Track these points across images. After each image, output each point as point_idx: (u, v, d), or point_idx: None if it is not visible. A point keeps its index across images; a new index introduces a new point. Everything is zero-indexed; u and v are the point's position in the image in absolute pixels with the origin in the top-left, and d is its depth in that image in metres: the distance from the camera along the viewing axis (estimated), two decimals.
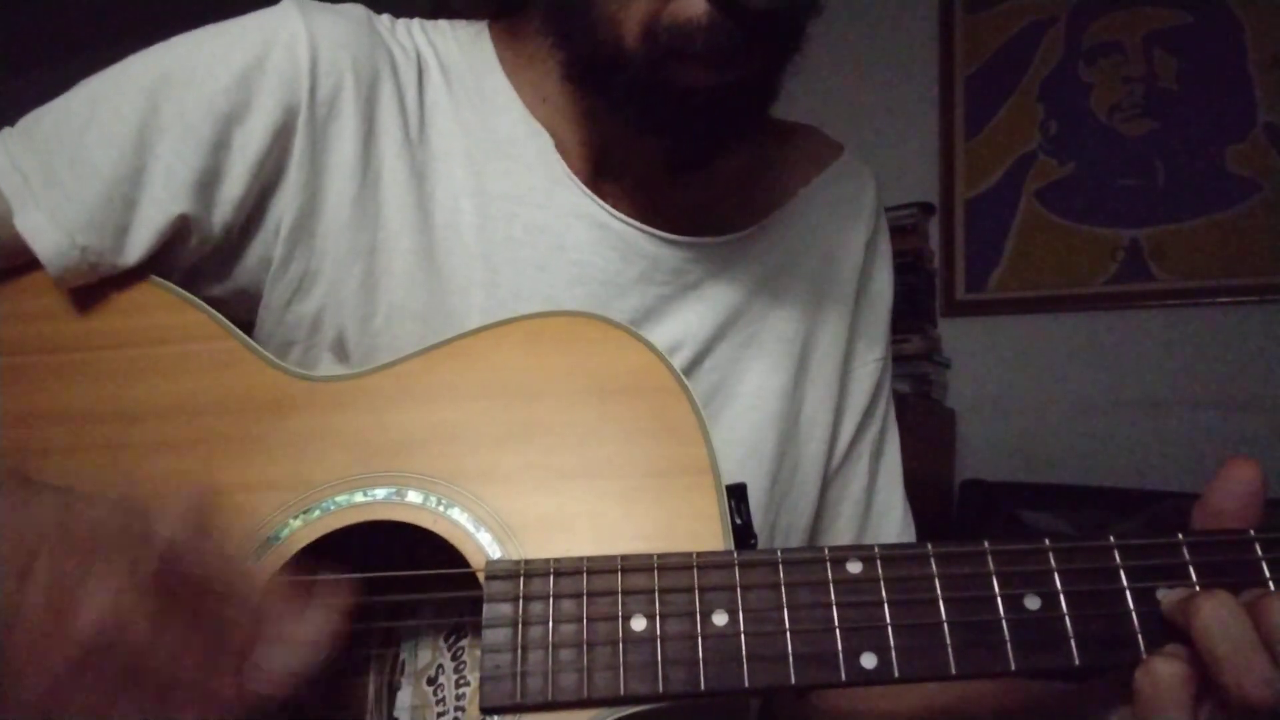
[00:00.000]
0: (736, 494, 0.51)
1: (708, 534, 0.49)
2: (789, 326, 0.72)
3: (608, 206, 0.65)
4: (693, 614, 0.45)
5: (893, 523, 0.79)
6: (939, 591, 0.45)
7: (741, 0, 0.51)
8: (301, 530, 0.50)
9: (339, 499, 0.51)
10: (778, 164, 0.76)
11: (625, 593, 0.46)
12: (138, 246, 0.57)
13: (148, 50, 0.60)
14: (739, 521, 0.50)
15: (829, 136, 0.81)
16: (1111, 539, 0.46)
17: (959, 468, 2.38)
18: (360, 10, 0.65)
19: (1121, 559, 0.45)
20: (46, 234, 0.55)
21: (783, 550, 0.47)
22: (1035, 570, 0.45)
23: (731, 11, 0.52)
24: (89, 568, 0.38)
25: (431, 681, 0.57)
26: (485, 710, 0.44)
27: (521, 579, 0.47)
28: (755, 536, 0.51)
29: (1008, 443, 2.34)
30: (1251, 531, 0.45)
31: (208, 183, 0.58)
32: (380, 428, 0.53)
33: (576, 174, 0.65)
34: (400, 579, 0.50)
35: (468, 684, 0.57)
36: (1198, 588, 0.44)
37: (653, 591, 0.46)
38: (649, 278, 0.66)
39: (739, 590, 0.45)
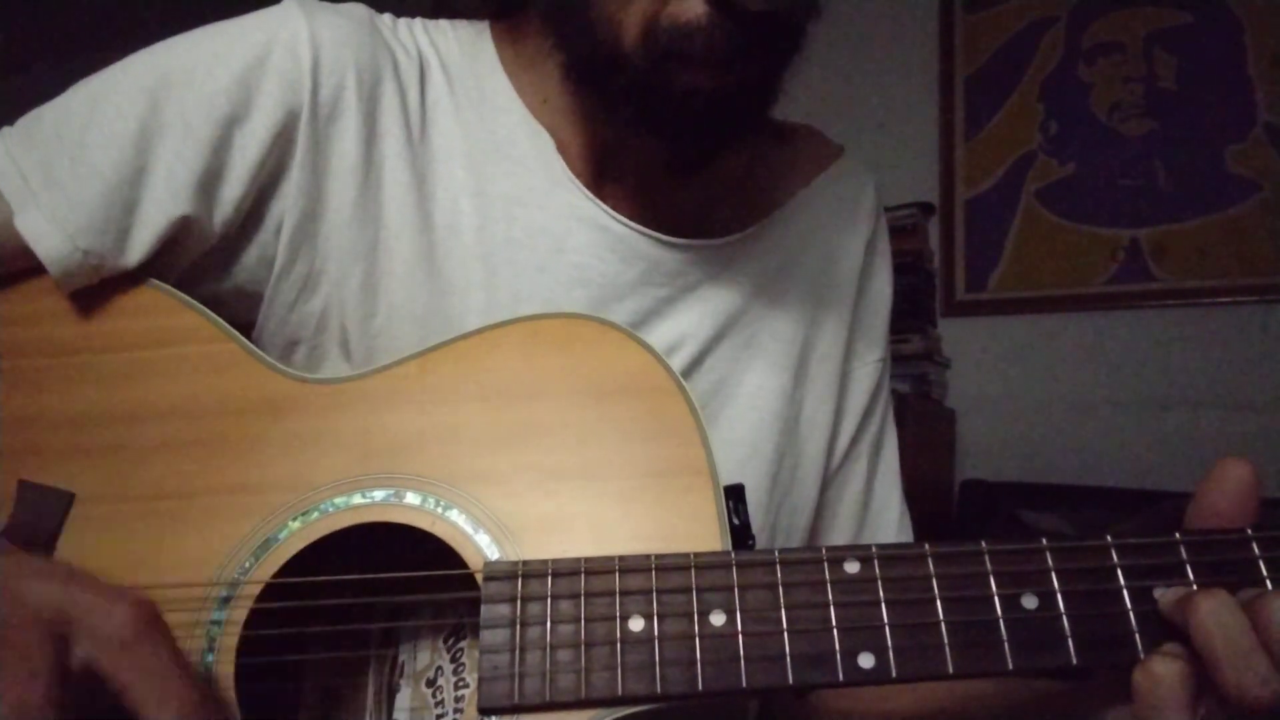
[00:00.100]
0: (734, 495, 0.51)
1: (705, 535, 0.49)
2: (788, 327, 0.72)
3: (608, 208, 0.65)
4: (690, 614, 0.45)
5: (890, 522, 0.79)
6: (936, 591, 0.45)
7: (740, 2, 0.51)
8: (300, 532, 0.50)
9: (337, 501, 0.51)
10: (777, 165, 0.76)
11: (623, 593, 0.46)
12: (139, 248, 0.57)
13: (148, 50, 0.60)
14: (737, 522, 0.50)
15: (828, 138, 0.81)
16: (1109, 539, 0.46)
17: (959, 468, 2.38)
18: (362, 10, 0.65)
19: (1119, 558, 0.45)
20: (48, 237, 0.55)
21: (780, 550, 0.47)
22: (1033, 570, 0.45)
23: (730, 13, 0.52)
24: (8, 660, 0.37)
25: (430, 683, 0.57)
26: (483, 711, 0.44)
27: (519, 580, 0.47)
28: (753, 537, 0.51)
29: (1008, 443, 2.34)
30: (1249, 530, 0.45)
31: (209, 183, 0.58)
32: (379, 429, 0.53)
33: (577, 175, 0.65)
34: (399, 580, 0.50)
35: (466, 685, 0.57)
36: (1195, 587, 0.44)
37: (650, 592, 0.46)
38: (649, 279, 0.66)
39: (736, 590, 0.45)
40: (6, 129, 0.59)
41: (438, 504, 0.50)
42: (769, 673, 0.44)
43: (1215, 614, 0.41)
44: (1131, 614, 0.44)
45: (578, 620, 0.45)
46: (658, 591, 0.46)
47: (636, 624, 0.45)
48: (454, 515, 0.50)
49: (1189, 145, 2.23)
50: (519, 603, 0.46)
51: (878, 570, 0.45)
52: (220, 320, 0.57)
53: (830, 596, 0.45)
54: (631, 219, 0.65)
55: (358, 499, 0.51)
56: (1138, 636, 0.43)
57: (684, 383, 0.53)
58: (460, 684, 0.57)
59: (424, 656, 0.58)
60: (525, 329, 0.55)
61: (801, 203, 0.75)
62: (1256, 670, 0.39)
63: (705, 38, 0.52)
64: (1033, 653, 0.44)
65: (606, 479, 0.51)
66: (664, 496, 0.50)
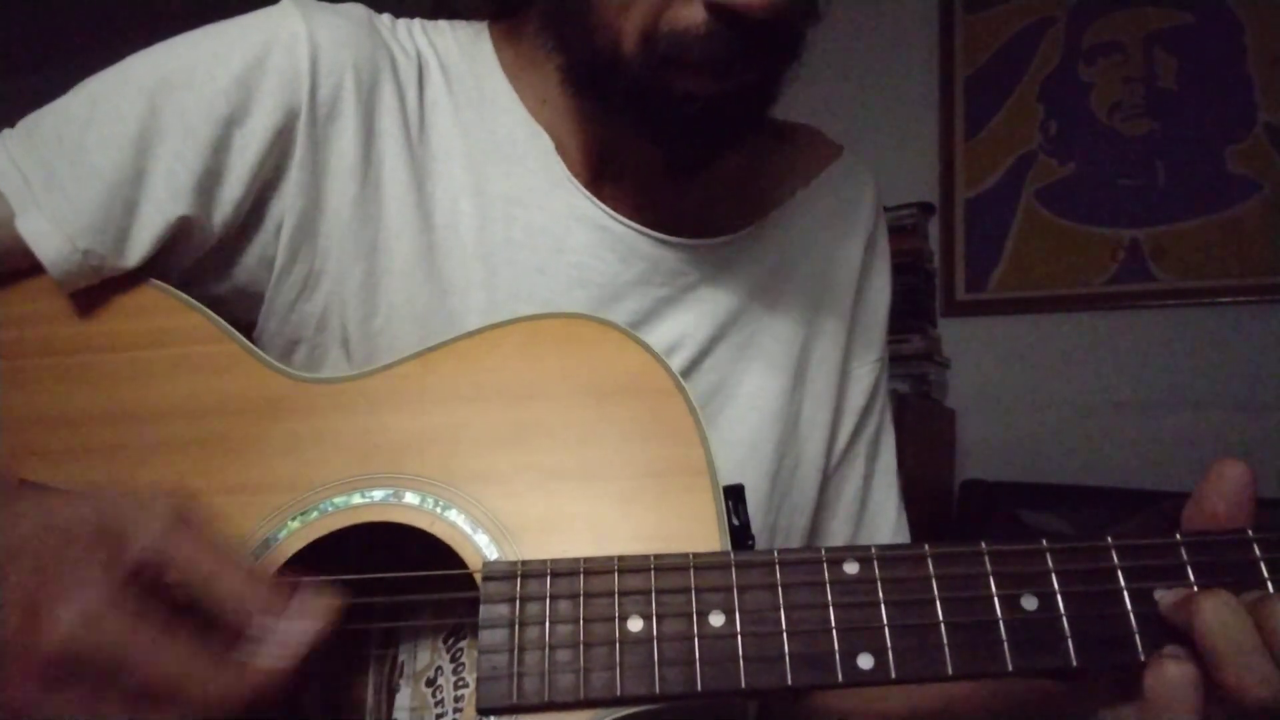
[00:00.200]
0: (734, 495, 0.51)
1: (705, 535, 0.49)
2: (788, 328, 0.72)
3: (607, 208, 0.65)
4: (689, 615, 0.45)
5: (887, 523, 0.79)
6: (936, 592, 0.45)
7: (739, 10, 0.50)
8: (300, 531, 0.50)
9: (337, 500, 0.51)
10: (777, 165, 0.76)
11: (622, 594, 0.46)
12: (139, 248, 0.57)
13: (147, 51, 0.60)
14: (736, 522, 0.50)
15: (828, 137, 0.81)
16: (1109, 539, 0.46)
17: (959, 468, 2.38)
18: (361, 10, 0.65)
19: (1119, 559, 0.45)
20: (49, 238, 0.55)
21: (779, 551, 0.47)
22: (1032, 571, 0.45)
23: (729, 20, 0.51)
24: (62, 575, 0.38)
25: (430, 683, 0.57)
26: (482, 711, 0.44)
27: (518, 580, 0.47)
28: (753, 537, 0.51)
29: (1008, 443, 2.34)
30: (1250, 532, 0.45)
31: (208, 184, 0.58)
32: (378, 429, 0.53)
33: (576, 176, 0.65)
34: (398, 580, 0.50)
35: (466, 685, 0.57)
36: (1196, 588, 0.44)
37: (649, 592, 0.46)
38: (648, 279, 0.66)
39: (735, 591, 0.45)
40: (7, 131, 0.59)
41: (437, 504, 0.50)
42: (768, 673, 0.44)
43: (1219, 614, 0.41)
44: (1132, 615, 0.44)
45: (577, 620, 0.45)
46: (657, 592, 0.46)
47: (635, 624, 0.45)
48: (453, 515, 0.50)
49: (1189, 145, 2.23)
50: (518, 603, 0.46)
51: (877, 571, 0.45)
52: (221, 320, 0.57)
53: (829, 597, 0.45)
54: (631, 219, 0.65)
55: (357, 499, 0.51)
56: (1138, 638, 0.43)
57: (683, 383, 0.53)
58: (460, 684, 0.57)
59: (424, 656, 0.58)
60: (525, 329, 0.55)
61: (801, 202, 0.75)
62: (1258, 670, 0.39)
63: (704, 45, 0.52)
64: (1032, 654, 0.44)
65: (606, 479, 0.51)
66: (663, 497, 0.50)
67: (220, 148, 0.58)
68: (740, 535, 0.50)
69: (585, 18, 0.55)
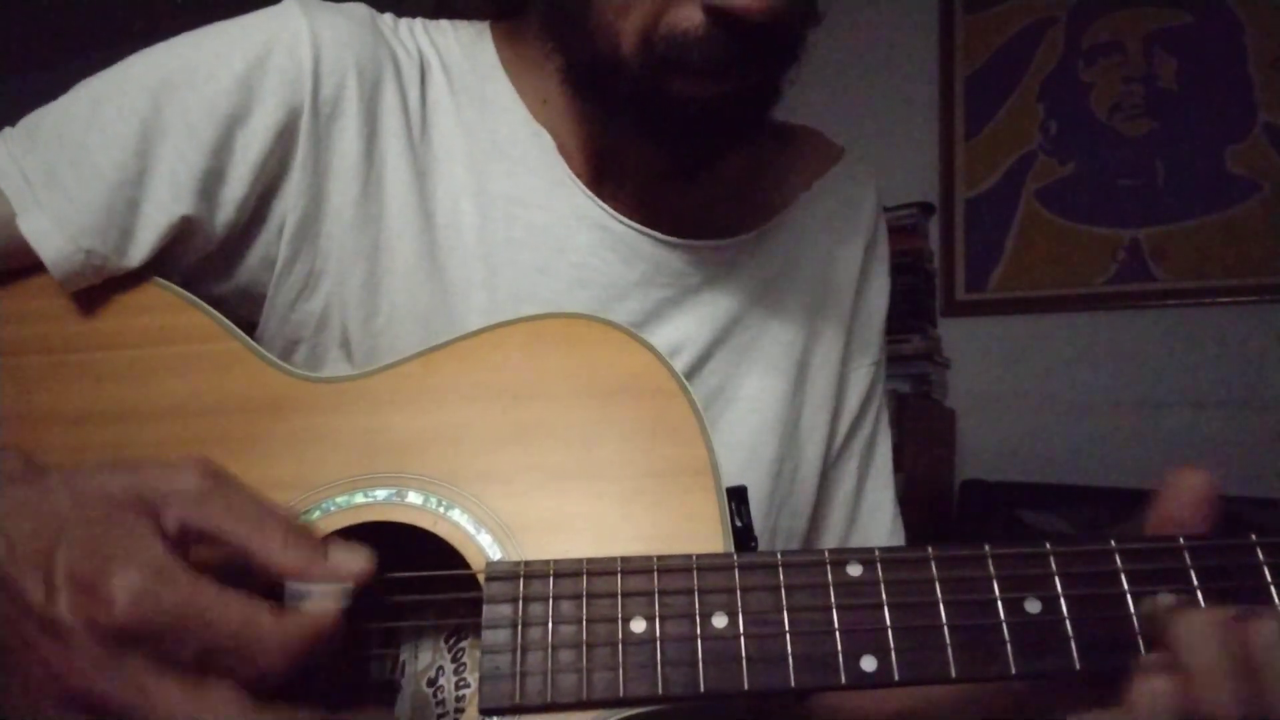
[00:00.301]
0: (737, 496, 0.51)
1: (708, 536, 0.49)
2: (789, 331, 0.72)
3: (609, 209, 0.65)
4: (692, 616, 0.45)
5: (881, 526, 0.79)
6: (939, 595, 0.45)
7: (737, 12, 0.50)
8: None
9: (339, 500, 0.51)
10: (779, 167, 0.76)
11: (625, 594, 0.46)
12: (141, 248, 0.57)
13: (149, 50, 0.60)
14: (739, 523, 0.50)
15: (830, 139, 0.80)
16: (1113, 542, 0.46)
17: (959, 468, 2.38)
18: (363, 9, 0.64)
19: (1123, 562, 0.45)
20: (51, 238, 0.55)
21: (782, 552, 0.46)
22: (1036, 574, 0.45)
23: (727, 23, 0.51)
24: (110, 548, 0.38)
25: (431, 683, 0.57)
26: (484, 711, 0.44)
27: (521, 580, 0.47)
28: (755, 539, 0.51)
29: (1008, 443, 2.34)
30: (1254, 536, 0.45)
31: (210, 184, 0.58)
32: (381, 429, 0.53)
33: (578, 176, 0.65)
34: (401, 580, 0.50)
35: (467, 685, 0.57)
36: (1199, 592, 0.44)
37: (652, 593, 0.46)
38: (650, 280, 0.66)
39: (739, 592, 0.45)
40: (8, 130, 0.59)
41: (440, 503, 0.50)
42: (770, 675, 0.44)
43: (1201, 631, 0.40)
44: (1135, 618, 0.44)
45: (579, 621, 0.45)
46: (660, 593, 0.46)
47: (638, 625, 0.45)
48: (456, 515, 0.50)
49: (1189, 145, 2.23)
50: (521, 603, 0.46)
51: (880, 573, 0.45)
52: (224, 319, 0.57)
53: (833, 599, 0.45)
54: (632, 219, 0.65)
55: (360, 498, 0.51)
56: (1141, 641, 0.43)
57: (687, 383, 0.52)
58: (461, 684, 0.57)
59: (425, 656, 0.58)
60: (528, 329, 0.55)
61: (803, 206, 0.75)
62: (1236, 690, 0.39)
63: (702, 48, 0.52)
64: (1035, 657, 0.44)
65: (609, 479, 0.51)
66: (666, 497, 0.50)
67: (222, 147, 0.58)
68: (743, 537, 0.50)
69: (584, 20, 0.55)
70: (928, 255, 2.46)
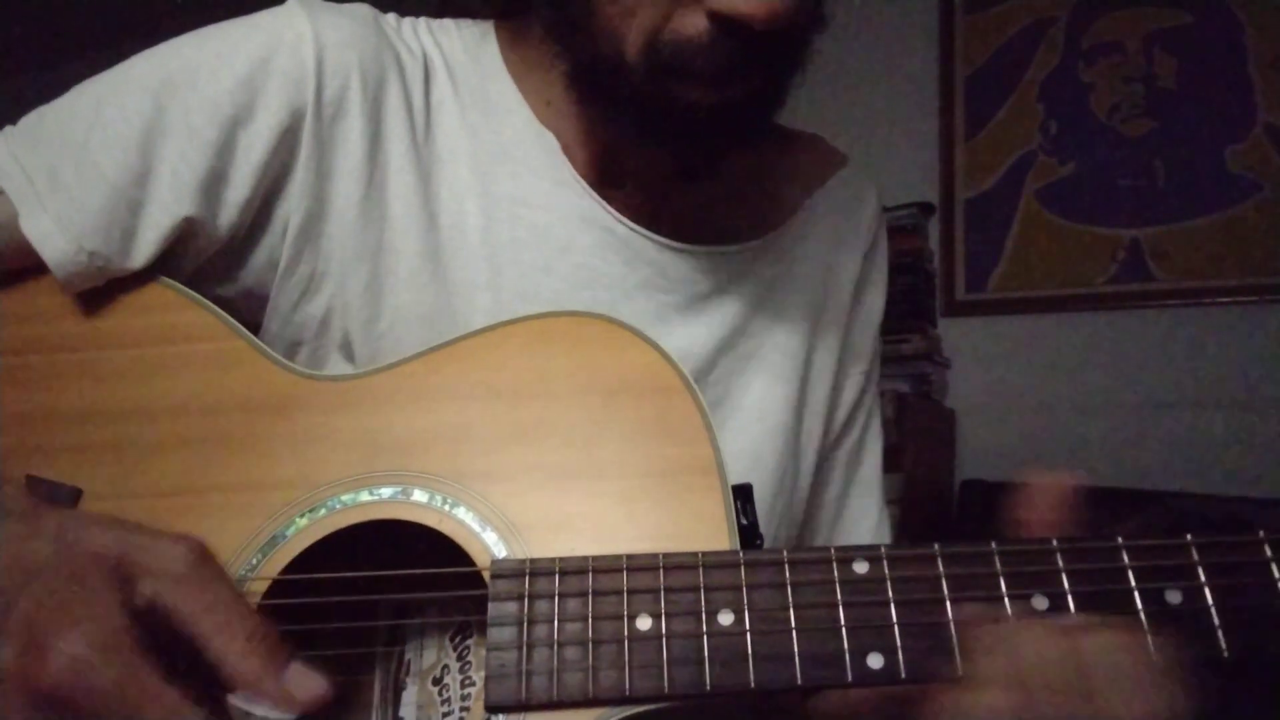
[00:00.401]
0: (742, 494, 0.51)
1: (713, 533, 0.49)
2: (792, 340, 0.72)
3: (612, 210, 0.65)
4: (698, 613, 0.45)
5: (865, 531, 0.79)
6: (946, 592, 0.45)
7: (743, 20, 0.49)
8: (308, 529, 0.50)
9: (345, 498, 0.51)
10: (782, 173, 0.75)
11: (631, 592, 0.46)
12: (144, 250, 0.57)
13: (152, 50, 0.60)
14: (745, 521, 0.50)
15: (833, 146, 0.80)
16: (1120, 540, 0.46)
17: (959, 468, 2.38)
18: (366, 10, 0.64)
19: (1130, 560, 0.45)
20: (53, 240, 0.55)
21: (788, 550, 0.47)
22: (1043, 571, 0.45)
23: (733, 30, 0.50)
24: (70, 607, 0.38)
25: (437, 681, 0.57)
26: (490, 709, 0.44)
27: (527, 578, 0.47)
28: (761, 536, 0.51)
29: (1008, 443, 2.34)
30: (1261, 533, 0.45)
31: (213, 185, 0.58)
32: (386, 427, 0.53)
33: (582, 177, 0.65)
34: (406, 578, 0.50)
35: (473, 684, 0.57)
36: (1207, 590, 0.44)
37: (658, 591, 0.46)
38: (653, 284, 0.66)
39: (744, 590, 0.45)
40: (9, 128, 0.59)
41: (445, 501, 0.50)
42: (777, 672, 0.44)
43: (1034, 645, 0.40)
44: (1143, 616, 0.44)
45: (585, 619, 0.45)
46: (665, 590, 0.46)
47: (644, 623, 0.45)
48: (461, 513, 0.50)
49: (1189, 145, 2.23)
50: (526, 600, 0.46)
51: (887, 570, 0.45)
52: (228, 317, 0.57)
53: (839, 596, 0.45)
54: (636, 222, 0.65)
55: (365, 496, 0.51)
56: (1149, 639, 0.43)
57: (692, 382, 0.52)
58: (467, 682, 0.57)
59: (430, 654, 0.58)
60: (533, 327, 0.55)
61: (805, 213, 0.75)
62: (1065, 705, 0.39)
63: (707, 55, 0.52)
64: None
65: (614, 478, 0.51)
66: (672, 495, 0.50)
67: (225, 148, 0.57)
68: (749, 534, 0.50)
69: (589, 24, 0.55)
70: (928, 255, 2.47)
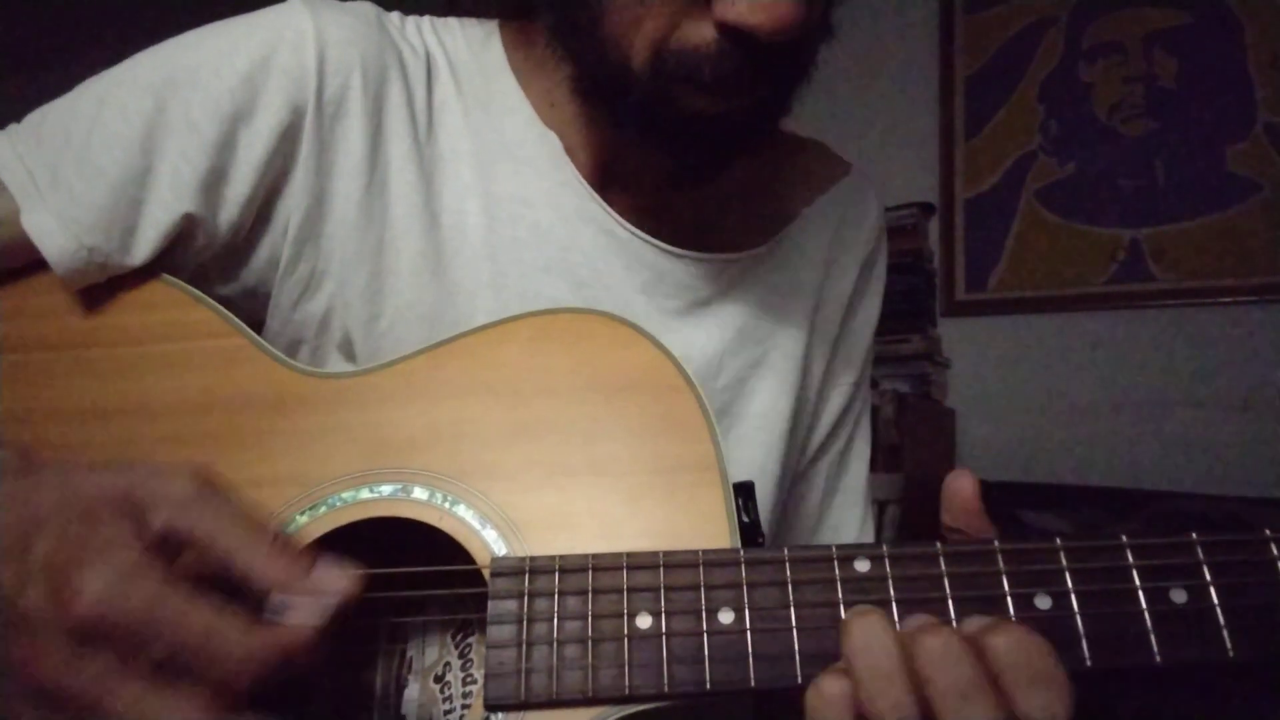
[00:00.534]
0: (744, 492, 0.50)
1: (714, 531, 0.49)
2: (794, 347, 0.72)
3: (613, 213, 0.65)
4: (699, 612, 0.45)
5: (846, 539, 0.79)
6: (948, 591, 0.44)
7: (750, 30, 0.49)
8: (308, 526, 0.50)
9: (345, 495, 0.51)
10: (785, 179, 0.75)
11: (631, 590, 0.45)
12: (144, 247, 0.57)
13: (153, 49, 0.60)
14: (746, 519, 0.50)
15: (837, 153, 0.80)
16: (1124, 538, 0.45)
17: (959, 468, 2.38)
18: (369, 8, 0.64)
19: (1134, 558, 0.45)
20: (54, 236, 0.55)
21: (789, 548, 0.46)
22: (1046, 569, 0.45)
23: (740, 40, 0.50)
24: (88, 543, 0.38)
25: (439, 679, 0.57)
26: (489, 707, 0.44)
27: (526, 575, 0.46)
28: (763, 535, 0.50)
29: (1008, 443, 2.34)
30: (1268, 531, 0.45)
31: (214, 183, 0.57)
32: (387, 424, 0.52)
33: (584, 178, 0.65)
34: (407, 576, 0.49)
35: (474, 681, 0.57)
36: (1212, 589, 0.44)
37: (659, 589, 0.45)
38: (653, 289, 0.66)
39: (745, 588, 0.45)
40: (13, 126, 0.59)
41: (445, 499, 0.50)
42: (777, 671, 0.44)
43: (864, 636, 0.40)
44: (1147, 615, 0.43)
45: (585, 617, 0.45)
46: (666, 588, 0.45)
47: (644, 621, 0.45)
48: (461, 510, 0.50)
49: (1189, 145, 2.23)
50: (526, 598, 0.46)
51: (888, 569, 0.45)
52: (230, 315, 0.57)
53: (840, 595, 0.45)
54: (637, 225, 0.65)
55: (365, 493, 0.51)
56: (1153, 638, 0.43)
57: (694, 380, 0.52)
58: (468, 679, 0.57)
59: (432, 652, 0.58)
60: (534, 324, 0.55)
61: (807, 222, 0.75)
62: (890, 696, 0.38)
63: (714, 64, 0.51)
64: None
65: (615, 475, 0.50)
66: (673, 493, 0.50)
67: (226, 146, 0.57)
68: (750, 532, 0.50)
69: (595, 31, 0.54)
70: (928, 255, 2.47)
